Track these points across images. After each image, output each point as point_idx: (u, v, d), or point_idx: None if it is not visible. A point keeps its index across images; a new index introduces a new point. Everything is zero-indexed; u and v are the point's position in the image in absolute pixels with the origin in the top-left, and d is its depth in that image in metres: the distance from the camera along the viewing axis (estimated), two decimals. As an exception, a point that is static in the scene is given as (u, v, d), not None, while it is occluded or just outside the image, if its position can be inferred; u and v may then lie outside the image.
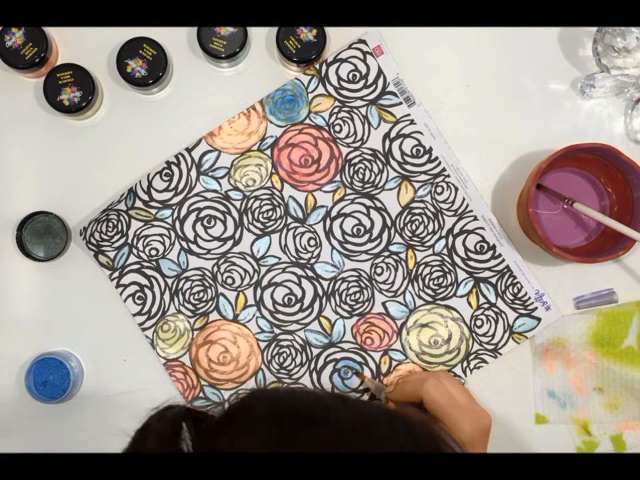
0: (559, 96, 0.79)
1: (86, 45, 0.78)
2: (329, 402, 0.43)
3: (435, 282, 0.78)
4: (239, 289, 0.78)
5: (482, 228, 0.78)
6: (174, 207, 0.77)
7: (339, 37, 0.77)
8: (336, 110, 0.77)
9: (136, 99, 0.78)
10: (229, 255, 0.78)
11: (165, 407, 0.45)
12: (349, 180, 0.78)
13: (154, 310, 0.77)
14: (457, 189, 0.78)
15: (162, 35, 0.76)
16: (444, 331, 0.78)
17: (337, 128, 0.77)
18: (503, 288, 0.78)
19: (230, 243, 0.78)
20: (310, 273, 0.78)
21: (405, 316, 0.78)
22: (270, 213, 0.78)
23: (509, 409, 0.78)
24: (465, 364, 0.78)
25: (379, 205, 0.78)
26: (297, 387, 0.76)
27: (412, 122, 0.78)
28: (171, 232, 0.77)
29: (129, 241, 0.76)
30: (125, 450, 0.43)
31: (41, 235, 0.77)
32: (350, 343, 0.78)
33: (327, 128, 0.77)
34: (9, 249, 0.77)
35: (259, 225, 0.78)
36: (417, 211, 0.78)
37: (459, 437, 0.66)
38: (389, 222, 0.78)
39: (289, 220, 0.78)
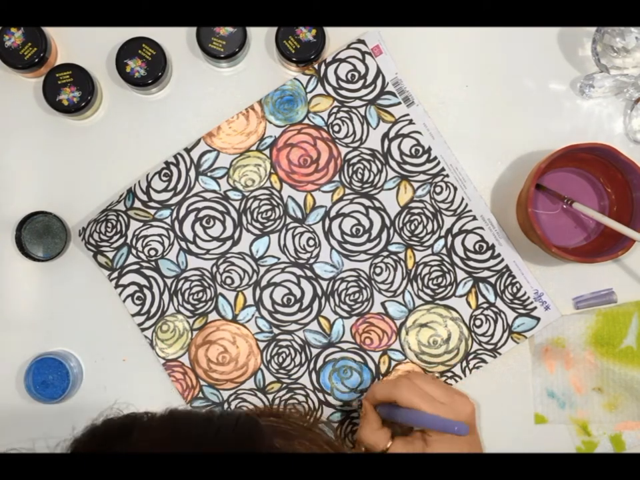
0: (559, 96, 0.79)
1: (85, 45, 0.78)
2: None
3: (434, 282, 0.78)
4: (238, 289, 0.78)
5: (481, 228, 0.78)
6: (173, 207, 0.77)
7: (338, 37, 0.77)
8: (335, 110, 0.77)
9: (135, 99, 0.78)
10: (228, 255, 0.77)
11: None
12: (347, 180, 0.78)
13: (153, 310, 0.77)
14: (455, 189, 0.78)
15: (161, 35, 0.76)
16: (443, 331, 0.78)
17: (336, 128, 0.77)
18: (502, 288, 0.78)
19: (229, 243, 0.78)
20: (309, 273, 0.78)
21: (404, 316, 0.78)
22: (269, 213, 0.78)
23: (509, 409, 0.78)
24: (464, 364, 0.78)
25: (377, 204, 0.78)
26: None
27: (411, 122, 0.78)
28: (170, 232, 0.77)
29: (128, 241, 0.76)
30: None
31: (40, 235, 0.77)
32: (349, 343, 0.78)
33: (325, 128, 0.77)
34: (9, 249, 0.77)
35: (257, 225, 0.78)
36: (416, 211, 0.78)
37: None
38: (387, 222, 0.78)
39: (288, 220, 0.78)
